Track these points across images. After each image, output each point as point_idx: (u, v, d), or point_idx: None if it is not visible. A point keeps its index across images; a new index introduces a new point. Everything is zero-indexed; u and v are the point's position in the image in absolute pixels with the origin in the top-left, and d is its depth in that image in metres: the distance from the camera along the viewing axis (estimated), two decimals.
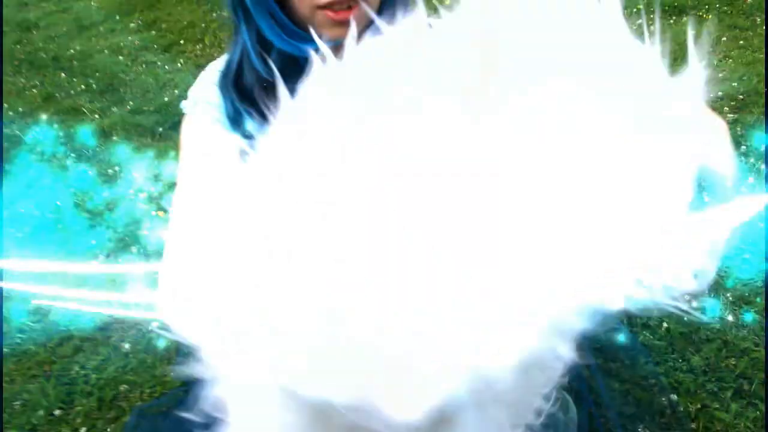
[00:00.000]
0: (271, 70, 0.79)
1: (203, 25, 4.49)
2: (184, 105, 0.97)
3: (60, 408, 1.86)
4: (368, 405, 0.51)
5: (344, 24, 0.77)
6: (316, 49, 0.67)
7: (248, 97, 0.87)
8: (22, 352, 2.05)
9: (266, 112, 0.74)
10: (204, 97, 0.93)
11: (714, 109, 2.84)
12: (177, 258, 0.85)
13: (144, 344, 2.00)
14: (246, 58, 0.86)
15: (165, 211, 2.56)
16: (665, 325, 1.90)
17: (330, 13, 0.80)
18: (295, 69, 0.74)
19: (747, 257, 1.90)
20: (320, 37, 0.71)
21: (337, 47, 0.63)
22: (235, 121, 0.88)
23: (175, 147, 3.10)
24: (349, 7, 0.80)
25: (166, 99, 3.52)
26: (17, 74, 4.07)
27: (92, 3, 5.24)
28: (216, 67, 0.96)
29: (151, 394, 1.87)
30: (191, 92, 0.97)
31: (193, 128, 0.93)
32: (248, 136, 0.83)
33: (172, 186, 2.91)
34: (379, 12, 0.82)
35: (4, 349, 2.06)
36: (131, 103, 3.54)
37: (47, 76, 4.00)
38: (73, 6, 5.23)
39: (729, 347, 1.87)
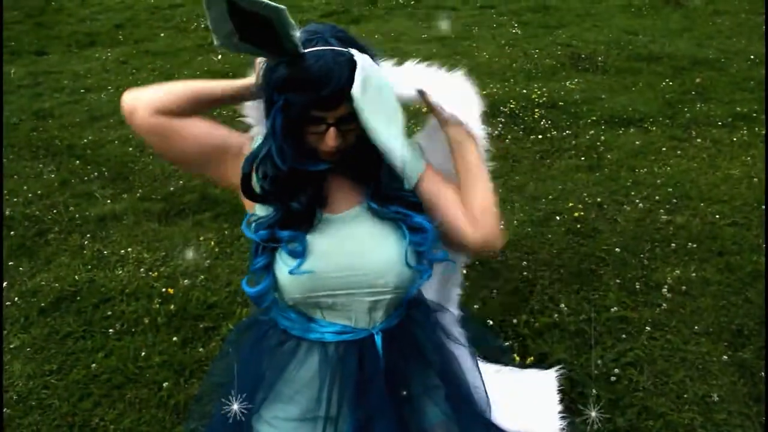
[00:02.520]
0: (287, 165, 1.21)
1: None
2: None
3: None
4: None
5: (334, 158, 1.22)
6: (316, 168, 1.20)
7: (269, 181, 1.25)
8: (48, 405, 2.37)
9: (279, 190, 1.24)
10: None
11: (650, 211, 3.33)
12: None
13: (156, 400, 2.33)
14: (270, 157, 1.23)
15: (174, 287, 2.93)
16: (594, 392, 2.27)
17: (325, 154, 1.22)
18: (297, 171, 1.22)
19: None
20: (320, 159, 1.21)
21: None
22: (248, 191, 1.27)
23: (180, 232, 3.48)
24: (338, 152, 1.22)
25: (171, 189, 3.92)
26: (35, 159, 4.48)
27: (102, 96, 5.72)
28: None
29: None
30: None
31: None
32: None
33: (178, 267, 3.28)
34: (358, 140, 1.22)
35: (32, 403, 2.38)
36: (140, 190, 3.94)
37: (63, 162, 4.41)
38: (85, 98, 5.70)
39: (648, 411, 2.24)
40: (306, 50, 1.12)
